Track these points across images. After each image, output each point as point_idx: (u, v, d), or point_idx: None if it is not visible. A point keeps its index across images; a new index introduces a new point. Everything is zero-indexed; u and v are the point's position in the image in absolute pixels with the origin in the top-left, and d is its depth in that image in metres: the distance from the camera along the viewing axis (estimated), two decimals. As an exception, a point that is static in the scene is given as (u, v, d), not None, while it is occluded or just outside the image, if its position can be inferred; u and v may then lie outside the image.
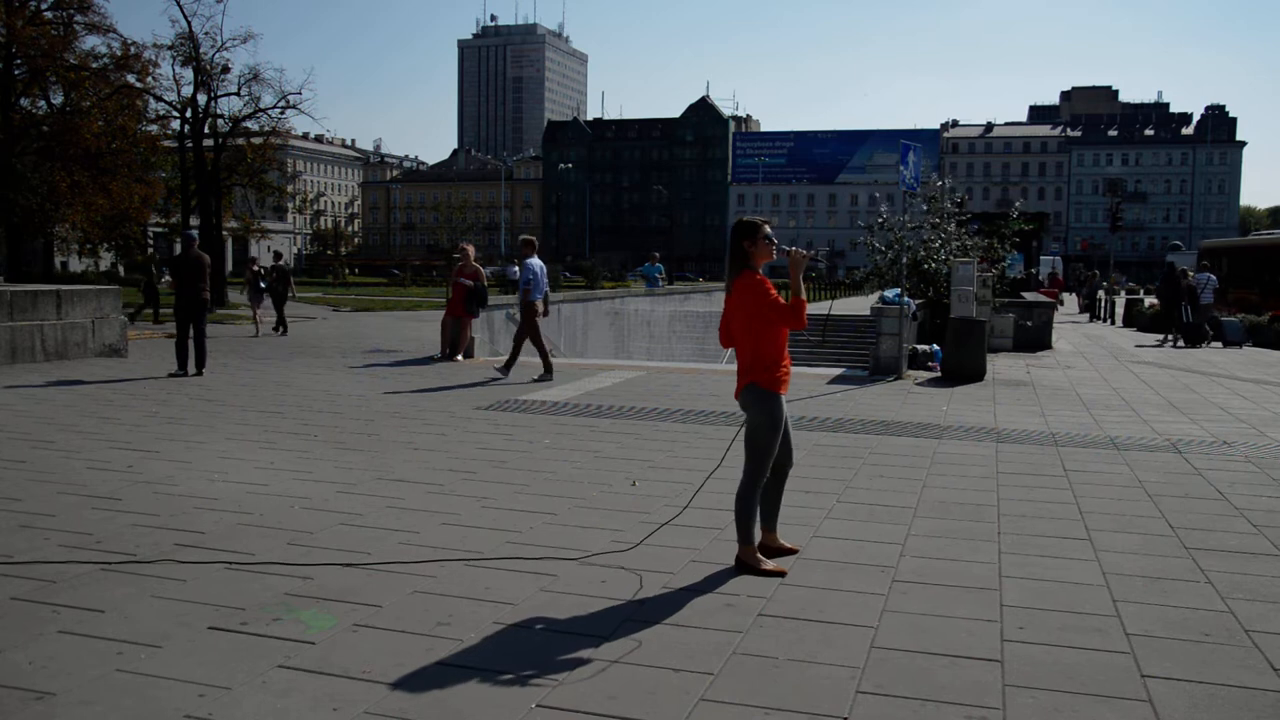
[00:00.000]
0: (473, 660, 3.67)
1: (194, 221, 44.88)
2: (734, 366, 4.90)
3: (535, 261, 13.05)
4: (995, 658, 3.75)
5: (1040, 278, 37.13)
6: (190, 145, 47.32)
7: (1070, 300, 43.49)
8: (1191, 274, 21.89)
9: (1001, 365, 15.11)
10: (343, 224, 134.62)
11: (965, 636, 3.95)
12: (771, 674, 3.59)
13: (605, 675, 3.55)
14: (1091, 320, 31.97)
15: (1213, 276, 22.25)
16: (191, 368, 12.57)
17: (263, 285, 21.25)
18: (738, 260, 4.76)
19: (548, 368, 12.73)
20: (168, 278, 20.08)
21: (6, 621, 3.99)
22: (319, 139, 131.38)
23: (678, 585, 4.56)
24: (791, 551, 5.01)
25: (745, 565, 4.74)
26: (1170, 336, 21.57)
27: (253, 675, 3.50)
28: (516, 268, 47.01)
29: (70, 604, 4.18)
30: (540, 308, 13.01)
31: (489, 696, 3.38)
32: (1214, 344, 20.93)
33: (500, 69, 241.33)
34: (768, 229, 4.78)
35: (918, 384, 12.63)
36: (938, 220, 19.30)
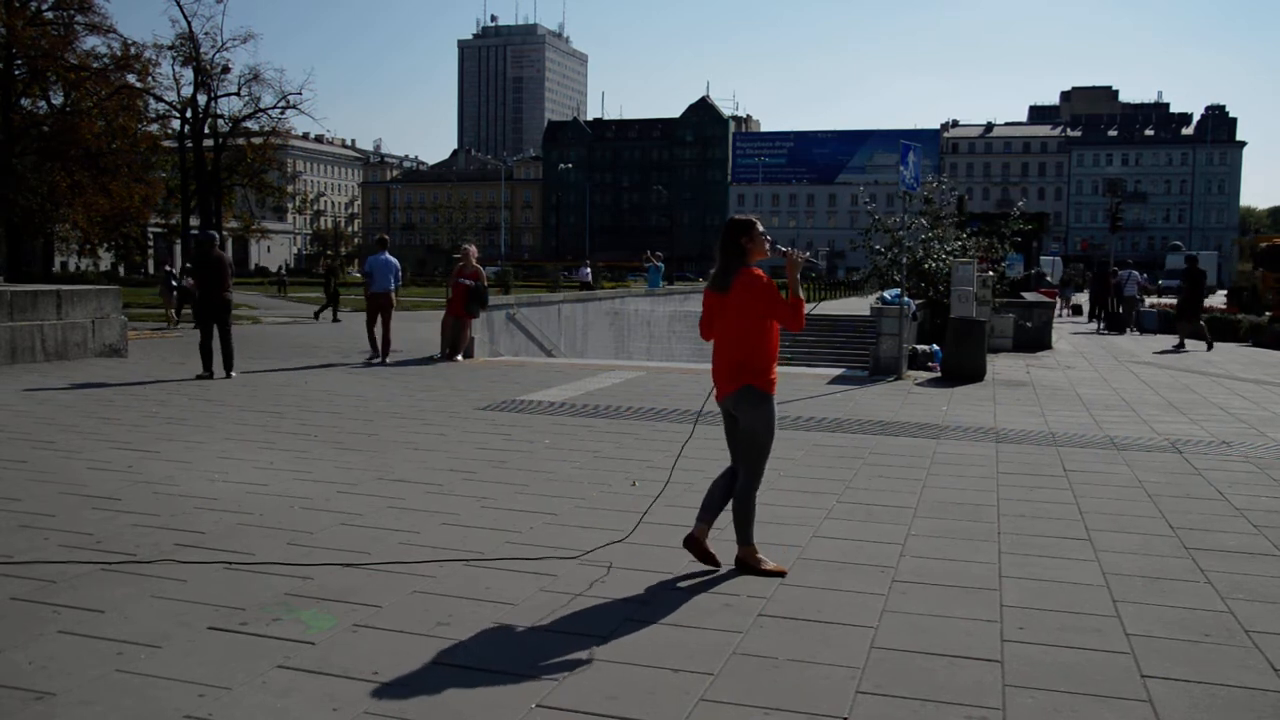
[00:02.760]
0: (473, 660, 3.67)
1: (194, 221, 44.84)
2: None
3: (377, 257, 14.80)
4: (995, 658, 3.75)
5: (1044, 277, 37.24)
6: (190, 145, 47.26)
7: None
8: (1120, 272, 25.95)
9: (1001, 365, 15.12)
10: (342, 224, 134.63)
11: (965, 636, 3.95)
12: (771, 674, 3.59)
13: (605, 675, 3.55)
14: (1090, 321, 31.87)
15: (1135, 273, 26.20)
16: (219, 370, 12.24)
17: (174, 284, 22.52)
18: (736, 257, 4.73)
19: (374, 352, 14.65)
20: (187, 281, 20.55)
21: (6, 621, 3.99)
22: (319, 139, 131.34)
23: (677, 585, 4.56)
24: (713, 561, 4.78)
25: (745, 565, 4.74)
26: (1100, 324, 26.56)
27: (253, 675, 3.50)
28: (587, 269, 46.81)
29: (70, 604, 4.18)
30: (391, 300, 14.66)
31: (489, 696, 3.38)
32: (1134, 331, 24.86)
33: (500, 69, 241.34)
34: (760, 225, 4.79)
35: (918, 384, 12.63)
36: (926, 223, 19.27)
